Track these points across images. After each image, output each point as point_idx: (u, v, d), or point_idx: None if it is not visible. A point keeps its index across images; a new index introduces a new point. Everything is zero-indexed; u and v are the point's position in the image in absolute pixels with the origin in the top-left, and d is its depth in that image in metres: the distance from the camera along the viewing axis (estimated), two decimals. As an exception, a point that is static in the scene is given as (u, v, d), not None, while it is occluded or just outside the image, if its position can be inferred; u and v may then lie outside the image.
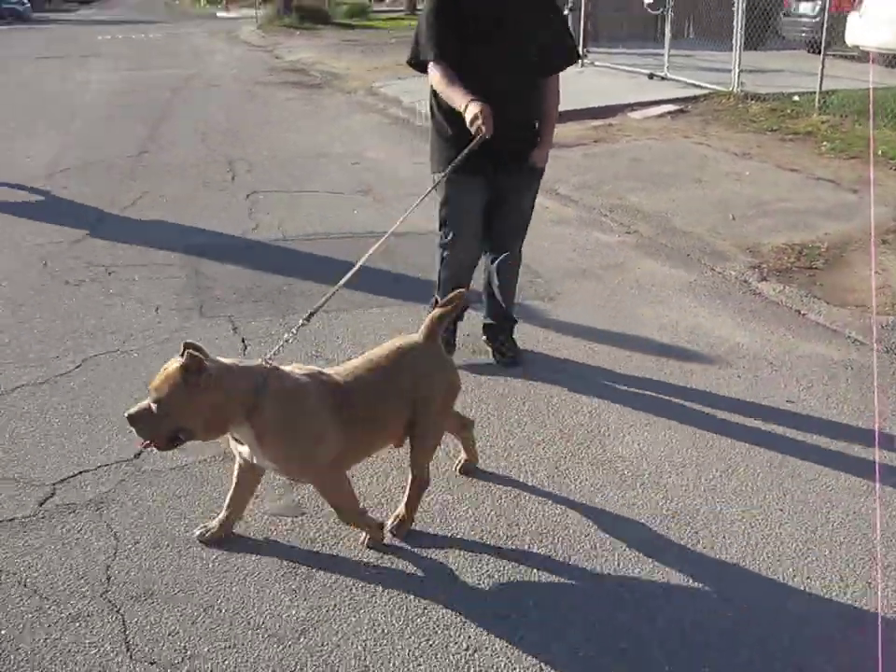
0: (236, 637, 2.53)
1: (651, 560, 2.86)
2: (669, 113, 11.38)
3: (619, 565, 2.84)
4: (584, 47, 15.54)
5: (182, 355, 2.43)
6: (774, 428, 3.73)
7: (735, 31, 11.95)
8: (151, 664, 2.44)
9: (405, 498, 2.98)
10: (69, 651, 2.49)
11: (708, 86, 12.33)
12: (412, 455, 2.95)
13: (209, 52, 23.82)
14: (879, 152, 8.67)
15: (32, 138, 10.76)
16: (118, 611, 2.63)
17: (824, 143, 9.34)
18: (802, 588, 2.74)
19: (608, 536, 2.99)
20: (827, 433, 3.68)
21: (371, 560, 2.87)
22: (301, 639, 2.53)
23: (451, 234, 4.12)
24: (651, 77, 13.68)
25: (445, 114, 3.93)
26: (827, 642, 2.52)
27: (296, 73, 17.72)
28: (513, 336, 4.46)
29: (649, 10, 14.35)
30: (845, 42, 13.93)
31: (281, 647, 2.50)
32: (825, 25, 11.07)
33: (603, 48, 16.67)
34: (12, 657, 2.46)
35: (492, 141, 3.61)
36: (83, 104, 13.92)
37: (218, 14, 48.37)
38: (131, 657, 2.46)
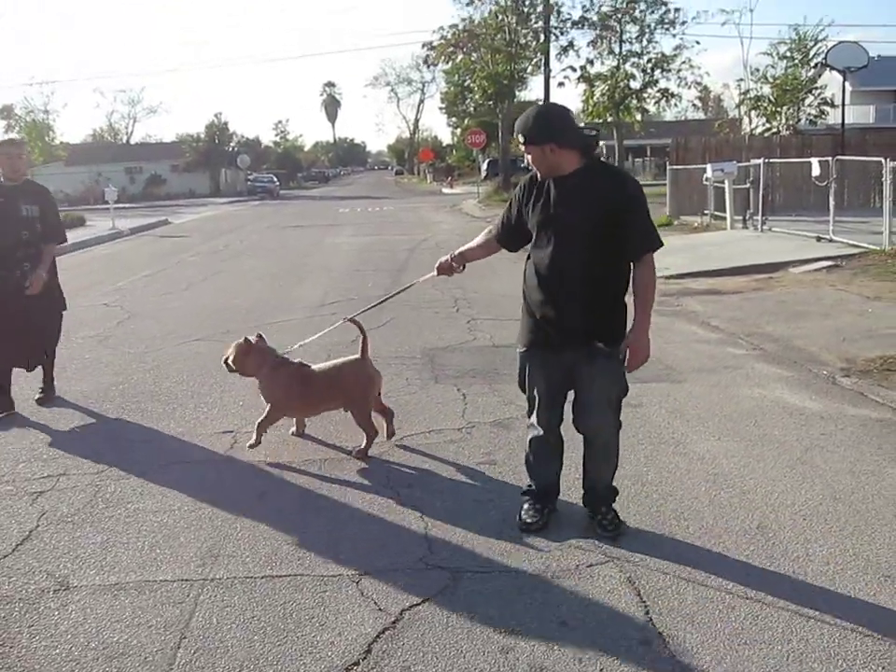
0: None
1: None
2: (825, 268, 13.27)
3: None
4: (763, 215, 17.71)
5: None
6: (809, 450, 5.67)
7: (884, 199, 13.82)
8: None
9: (363, 443, 5.56)
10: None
11: (864, 245, 14.14)
12: (354, 419, 5.61)
13: (436, 222, 27.50)
14: None
15: (302, 283, 13.98)
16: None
17: (953, 291, 11.00)
18: None
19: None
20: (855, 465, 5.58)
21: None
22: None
23: (528, 402, 4.47)
24: (818, 239, 15.56)
25: (525, 290, 4.38)
26: None
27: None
28: (613, 506, 4.47)
29: (816, 182, 16.38)
30: None
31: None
32: None
33: (779, 215, 18.71)
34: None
35: (557, 318, 4.16)
36: (335, 260, 17.32)
37: (444, 190, 53.26)
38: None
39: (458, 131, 65.83)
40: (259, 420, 5.62)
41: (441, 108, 66.23)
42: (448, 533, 4.42)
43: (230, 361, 5.62)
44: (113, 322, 11.06)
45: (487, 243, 4.62)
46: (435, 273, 4.85)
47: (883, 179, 13.79)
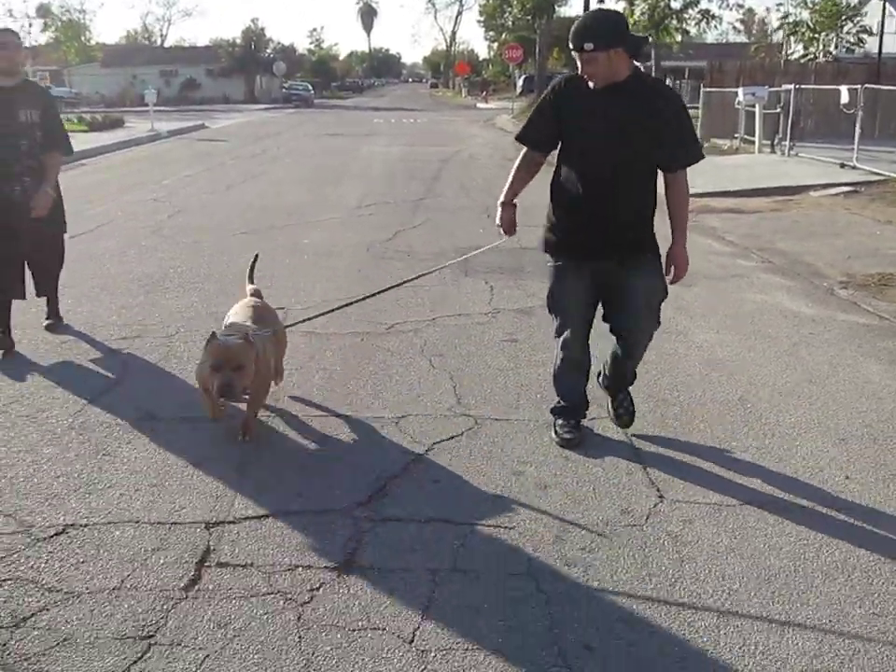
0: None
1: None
2: (844, 193, 13.75)
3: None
4: (791, 140, 18.09)
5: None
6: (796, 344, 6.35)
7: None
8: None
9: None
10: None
11: (886, 173, 14.58)
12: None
13: (470, 136, 27.91)
14: None
15: (339, 186, 14.65)
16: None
17: (962, 217, 11.51)
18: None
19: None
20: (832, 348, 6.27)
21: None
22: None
23: (557, 320, 4.42)
24: (842, 166, 15.97)
25: (561, 200, 4.26)
26: None
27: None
28: (629, 392, 4.66)
29: (844, 110, 16.72)
30: None
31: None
32: None
33: (809, 142, 19.04)
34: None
35: (604, 226, 4.09)
36: (371, 167, 17.94)
37: (478, 105, 53.21)
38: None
39: (496, 45, 65.36)
40: (250, 411, 4.59)
41: (479, 22, 65.77)
42: (474, 391, 5.18)
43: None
44: (164, 215, 11.79)
45: (526, 164, 4.34)
46: (503, 234, 4.45)
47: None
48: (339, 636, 2.95)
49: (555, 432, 4.51)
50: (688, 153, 4.13)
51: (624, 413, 4.61)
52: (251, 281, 5.18)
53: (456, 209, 12.16)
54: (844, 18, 30.63)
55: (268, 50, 69.01)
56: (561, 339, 4.39)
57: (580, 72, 4.00)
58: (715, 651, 2.91)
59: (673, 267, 4.24)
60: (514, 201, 4.39)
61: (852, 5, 31.38)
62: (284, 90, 64.64)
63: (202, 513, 3.74)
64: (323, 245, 9.65)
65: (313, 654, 2.86)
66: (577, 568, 3.35)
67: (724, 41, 69.17)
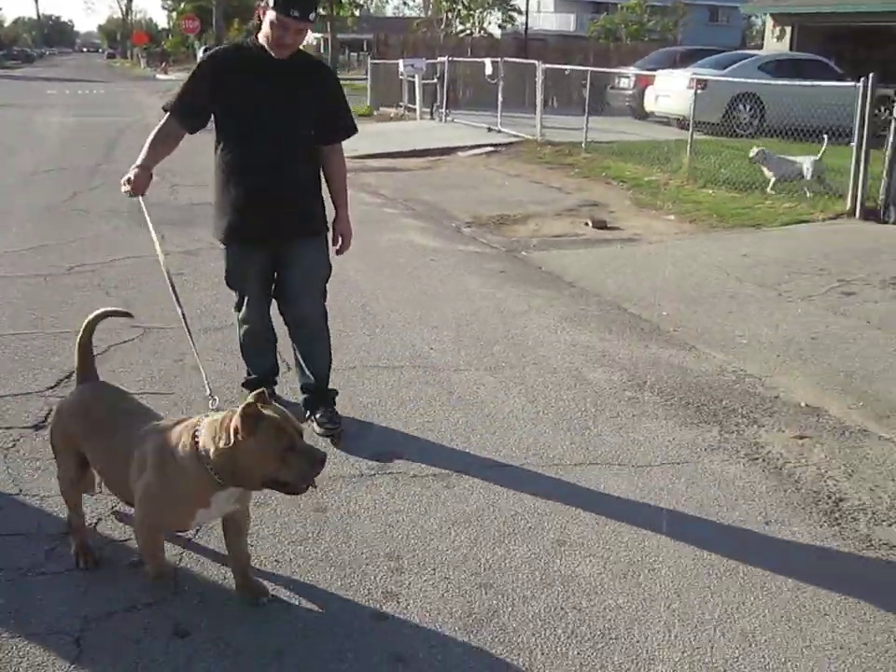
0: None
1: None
2: (486, 153, 15.73)
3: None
4: (447, 107, 20.05)
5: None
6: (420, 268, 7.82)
7: (536, 96, 16.43)
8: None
9: None
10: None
11: (523, 136, 16.75)
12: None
13: (148, 106, 27.80)
14: (603, 174, 13.05)
15: (14, 156, 14.80)
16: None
17: (575, 169, 13.71)
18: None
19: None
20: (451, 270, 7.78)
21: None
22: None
23: (237, 295, 4.38)
24: (489, 129, 18.06)
25: (225, 181, 4.10)
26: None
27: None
28: (334, 407, 4.47)
29: (488, 81, 18.85)
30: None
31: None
32: (635, 95, 16.00)
33: (466, 109, 21.15)
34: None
35: (271, 207, 4.03)
36: (48, 136, 17.99)
37: (158, 76, 52.32)
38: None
39: (174, 15, 64.23)
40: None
41: (155, -10, 64.11)
42: (145, 310, 6.18)
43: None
44: None
45: (168, 136, 4.02)
46: (131, 193, 3.84)
47: (536, 80, 16.32)
48: None
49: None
50: (347, 126, 4.26)
51: (328, 423, 4.36)
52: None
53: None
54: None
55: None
56: (241, 313, 4.41)
57: (281, 39, 3.81)
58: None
59: (340, 238, 4.37)
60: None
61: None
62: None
63: None
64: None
65: None
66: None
67: (402, 15, 71.88)
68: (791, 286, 7.18)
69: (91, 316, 3.39)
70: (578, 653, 2.87)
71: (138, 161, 3.87)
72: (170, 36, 76.36)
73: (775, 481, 4.09)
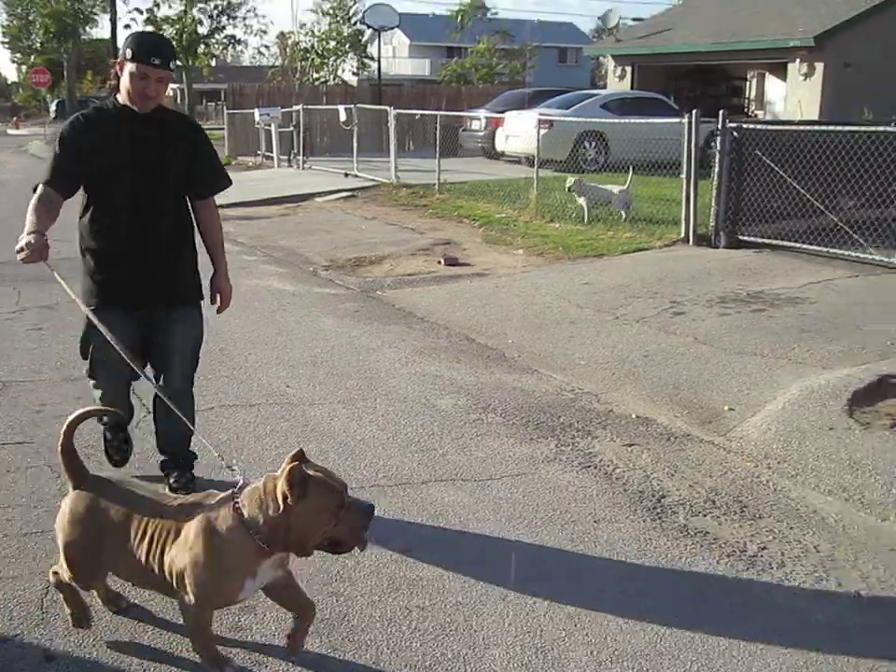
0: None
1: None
2: (343, 198, 16.07)
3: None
4: (304, 154, 20.34)
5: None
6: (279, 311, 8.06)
7: (390, 141, 16.92)
8: None
9: None
10: None
11: (379, 180, 17.17)
12: None
13: (1, 162, 27.30)
14: (455, 213, 13.55)
15: None
16: None
17: (430, 210, 14.17)
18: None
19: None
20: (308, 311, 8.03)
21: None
22: None
23: (93, 370, 4.12)
24: (346, 175, 18.42)
25: (91, 245, 4.00)
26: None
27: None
28: (192, 471, 4.32)
29: (343, 127, 19.25)
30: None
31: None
32: (487, 136, 16.66)
33: (323, 156, 21.49)
34: None
35: (135, 278, 3.91)
36: None
37: (9, 131, 50.98)
38: None
39: (24, 68, 62.74)
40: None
41: (3, 43, 62.62)
42: (3, 364, 6.24)
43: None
44: None
45: (51, 203, 3.76)
46: (31, 260, 3.52)
47: (389, 125, 16.79)
48: None
49: (106, 451, 4.48)
50: (220, 178, 4.17)
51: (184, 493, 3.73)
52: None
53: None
54: (348, 46, 34.24)
55: None
56: (97, 392, 4.23)
57: (144, 91, 3.76)
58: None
59: (219, 296, 4.23)
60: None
61: (354, 33, 35.13)
62: None
63: None
64: None
65: None
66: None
67: (258, 64, 71.94)
68: (627, 309, 7.71)
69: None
70: (421, 645, 3.17)
71: (30, 228, 3.58)
72: (20, 90, 74.49)
73: (605, 484, 4.50)
